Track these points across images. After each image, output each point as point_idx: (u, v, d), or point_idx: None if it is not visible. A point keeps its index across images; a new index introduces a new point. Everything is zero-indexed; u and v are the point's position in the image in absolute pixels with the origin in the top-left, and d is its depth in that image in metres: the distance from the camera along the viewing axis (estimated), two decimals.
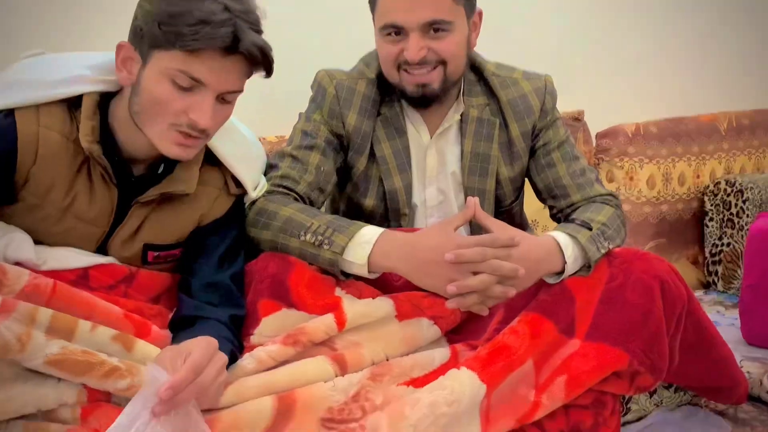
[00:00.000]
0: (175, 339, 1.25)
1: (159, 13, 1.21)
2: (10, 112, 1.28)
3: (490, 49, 1.72)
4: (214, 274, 1.38)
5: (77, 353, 1.14)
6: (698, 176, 2.42)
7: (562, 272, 1.44)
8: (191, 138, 1.27)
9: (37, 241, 1.31)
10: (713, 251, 2.37)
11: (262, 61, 1.26)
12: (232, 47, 1.21)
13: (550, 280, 1.45)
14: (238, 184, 1.45)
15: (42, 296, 1.19)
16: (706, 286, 2.42)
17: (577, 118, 2.37)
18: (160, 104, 1.24)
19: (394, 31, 1.51)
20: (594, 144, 2.39)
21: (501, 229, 1.40)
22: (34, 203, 1.30)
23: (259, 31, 1.26)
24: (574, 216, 1.56)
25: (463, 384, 1.30)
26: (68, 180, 1.31)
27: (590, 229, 1.48)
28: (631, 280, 1.42)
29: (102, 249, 1.38)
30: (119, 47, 1.27)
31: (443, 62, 1.54)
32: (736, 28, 2.77)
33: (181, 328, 1.29)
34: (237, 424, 1.20)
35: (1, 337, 1.10)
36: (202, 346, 1.13)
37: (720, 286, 2.36)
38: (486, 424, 1.32)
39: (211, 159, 1.42)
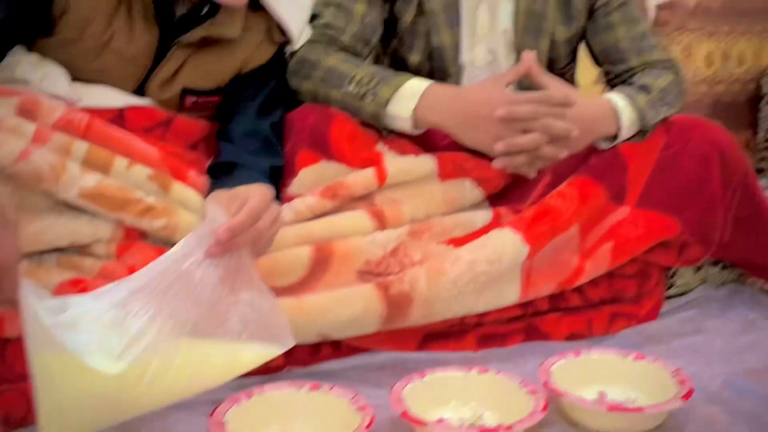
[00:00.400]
0: (215, 185, 1.22)
1: None
2: None
3: None
4: (254, 122, 1.34)
5: (113, 188, 1.13)
6: (758, 57, 2.31)
7: (616, 137, 1.38)
8: None
9: (74, 79, 1.27)
10: (767, 137, 2.29)
11: None
12: None
13: (604, 145, 1.40)
14: (282, 31, 1.39)
15: (76, 131, 1.16)
16: (759, 171, 2.34)
17: None
18: None
19: None
20: (651, 18, 2.28)
21: (556, 87, 1.34)
22: (71, 37, 1.25)
23: None
24: (632, 80, 1.50)
25: (506, 244, 1.28)
26: (107, 14, 1.26)
27: (649, 93, 1.42)
28: (688, 147, 1.39)
29: (139, 92, 1.33)
30: None
31: None
32: None
33: (219, 174, 1.25)
34: (273, 271, 1.20)
35: (35, 167, 1.08)
36: (260, 193, 1.10)
37: None
38: (527, 286, 1.30)
39: (255, 3, 1.35)
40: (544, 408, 1.03)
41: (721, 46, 2.29)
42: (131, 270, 1.11)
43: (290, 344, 1.04)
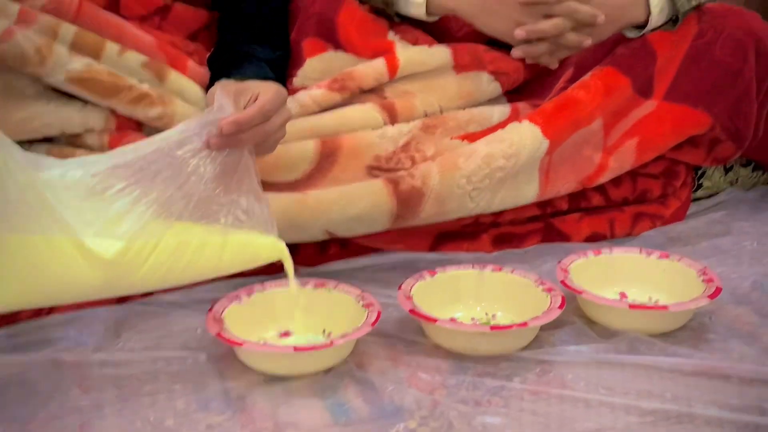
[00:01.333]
0: (221, 74, 1.14)
1: None
2: None
3: None
4: (256, 6, 1.27)
5: (103, 73, 1.08)
6: None
7: (644, 25, 1.30)
8: None
9: None
10: None
11: None
12: None
13: (631, 34, 1.32)
14: None
15: (66, 14, 1.10)
16: None
17: None
18: None
19: None
20: None
21: None
22: None
23: None
24: None
25: (524, 137, 1.21)
26: None
27: None
28: (722, 36, 1.31)
29: None
30: None
31: None
32: None
33: (224, 64, 1.18)
34: (277, 166, 1.15)
35: (19, 47, 1.04)
36: (273, 91, 1.01)
37: None
38: (545, 183, 1.25)
39: None
40: (561, 305, 0.98)
41: None
42: None
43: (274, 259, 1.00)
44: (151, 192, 0.89)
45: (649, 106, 1.29)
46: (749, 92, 1.30)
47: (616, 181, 1.33)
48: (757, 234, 1.34)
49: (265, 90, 1.01)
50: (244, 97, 1.00)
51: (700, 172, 1.44)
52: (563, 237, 1.29)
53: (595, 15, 1.21)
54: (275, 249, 0.99)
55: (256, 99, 0.99)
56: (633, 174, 1.34)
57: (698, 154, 1.36)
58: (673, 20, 1.31)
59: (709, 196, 1.47)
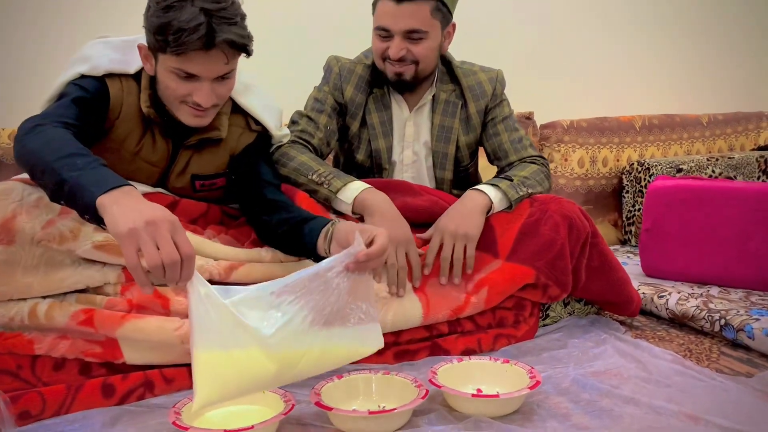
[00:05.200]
0: (327, 224, 1.16)
1: (151, 26, 1.12)
2: (99, 78, 1.22)
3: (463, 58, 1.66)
4: (274, 187, 1.32)
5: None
6: (618, 160, 2.30)
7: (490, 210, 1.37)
8: (201, 110, 1.20)
9: None
10: (628, 215, 2.25)
11: (239, 48, 1.14)
12: (209, 44, 1.09)
13: None
14: (256, 122, 1.37)
15: None
16: (623, 242, 2.30)
17: (528, 117, 2.28)
18: (170, 90, 1.18)
19: (384, 32, 1.45)
20: (539, 134, 2.30)
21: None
22: (113, 147, 1.25)
23: (234, 23, 1.12)
24: (505, 173, 1.49)
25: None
26: (139, 133, 1.26)
27: (511, 180, 1.41)
28: (545, 216, 1.36)
29: (162, 182, 1.33)
30: (139, 48, 1.19)
31: (416, 62, 1.47)
32: (652, 49, 2.65)
33: (302, 222, 1.20)
34: None
35: (59, 230, 1.07)
36: (385, 234, 1.05)
37: (633, 241, 2.24)
38: (427, 312, 1.26)
39: (236, 108, 1.35)
40: (424, 396, 0.98)
41: (590, 153, 2.28)
42: (130, 303, 1.10)
43: (381, 346, 1.04)
44: (310, 302, 0.95)
45: (496, 263, 1.33)
46: (563, 253, 1.33)
47: (482, 313, 1.33)
48: (584, 347, 1.32)
49: (380, 233, 1.05)
50: (364, 234, 1.04)
51: (546, 306, 1.44)
52: (445, 351, 1.28)
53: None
54: (378, 343, 1.04)
55: (373, 238, 1.03)
56: (494, 307, 1.34)
57: (536, 294, 1.37)
58: (509, 206, 1.38)
59: (554, 323, 1.46)
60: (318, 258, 1.14)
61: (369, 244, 1.02)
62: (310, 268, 0.98)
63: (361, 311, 1.01)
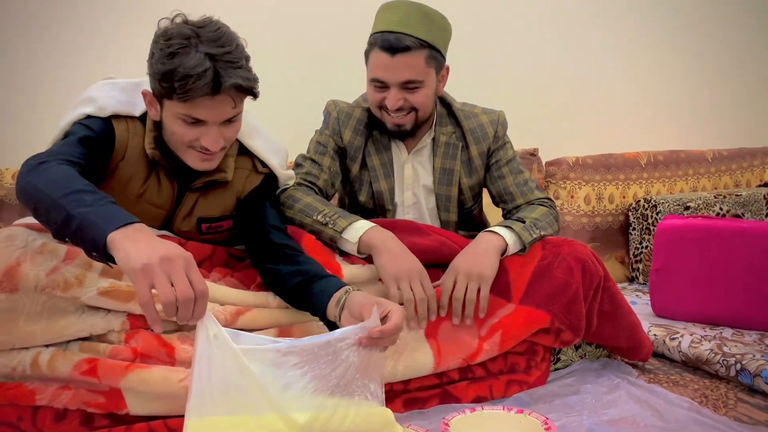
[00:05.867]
0: (312, 291, 1.15)
1: (156, 72, 1.11)
2: (106, 119, 1.22)
3: (467, 96, 1.65)
4: (280, 231, 1.30)
5: (123, 286, 1.09)
6: (624, 197, 2.29)
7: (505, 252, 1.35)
8: (209, 154, 1.19)
9: None
10: (635, 253, 2.24)
11: (246, 91, 1.14)
12: (216, 90, 1.09)
13: None
14: (263, 164, 1.36)
15: None
16: (631, 279, 2.28)
17: (533, 153, 2.28)
18: (177, 135, 1.17)
19: (379, 83, 1.44)
20: (544, 171, 2.29)
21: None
22: (116, 188, 1.24)
23: (240, 66, 1.11)
24: (517, 215, 1.46)
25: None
26: (143, 175, 1.26)
27: (523, 222, 1.39)
28: (558, 259, 1.34)
29: (167, 225, 1.31)
30: (143, 94, 1.19)
31: (415, 109, 1.47)
32: (657, 85, 2.67)
33: (312, 280, 1.18)
34: None
35: (64, 277, 1.05)
36: (400, 312, 1.03)
37: (641, 279, 2.22)
38: (438, 359, 1.23)
39: (242, 150, 1.34)
40: None
41: (596, 189, 2.28)
42: (134, 351, 1.08)
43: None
44: (315, 369, 0.93)
45: (509, 307, 1.30)
46: (578, 297, 1.31)
47: (493, 358, 1.31)
48: (597, 393, 1.30)
49: (395, 309, 1.03)
50: (379, 308, 1.02)
51: (557, 350, 1.42)
52: (455, 399, 1.25)
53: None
54: (388, 422, 1.00)
55: (388, 313, 1.01)
56: (505, 353, 1.32)
57: (549, 339, 1.35)
58: (523, 248, 1.36)
59: (565, 367, 1.43)
60: (325, 320, 1.13)
61: (383, 319, 1.00)
62: (322, 336, 0.96)
63: (368, 391, 0.98)
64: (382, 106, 1.47)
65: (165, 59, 1.09)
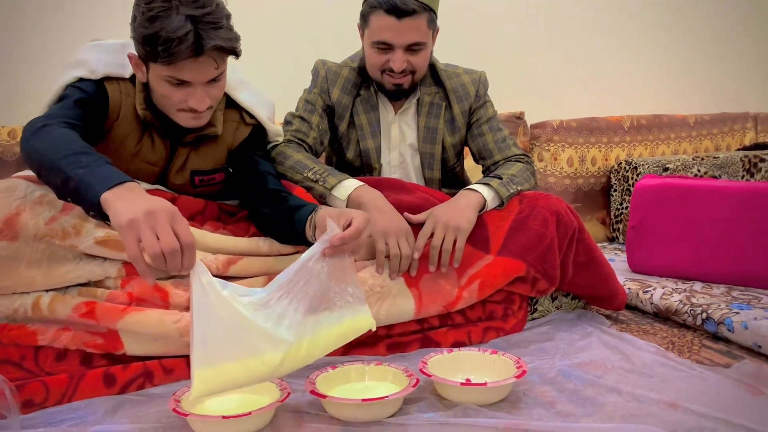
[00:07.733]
0: (313, 209, 1.19)
1: (139, 36, 1.12)
2: (98, 81, 1.24)
3: (455, 61, 1.68)
4: (274, 177, 1.35)
5: (118, 236, 1.12)
6: (606, 159, 2.34)
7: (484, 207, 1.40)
8: (197, 112, 1.22)
9: None
10: (616, 213, 2.29)
11: (228, 51, 1.15)
12: (198, 52, 1.11)
13: None
14: (250, 116, 1.39)
15: None
16: (611, 239, 2.34)
17: (519, 117, 2.31)
18: (164, 98, 1.20)
19: (384, 46, 1.46)
20: (529, 134, 2.34)
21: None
22: (112, 147, 1.27)
23: (220, 27, 1.12)
24: (495, 171, 1.52)
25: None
26: (137, 134, 1.28)
27: (501, 179, 1.44)
28: (534, 212, 1.39)
29: (162, 180, 1.34)
30: (129, 57, 1.21)
31: (414, 71, 1.50)
32: (641, 50, 2.69)
33: (293, 211, 1.23)
34: None
35: (62, 226, 1.10)
36: (363, 216, 1.07)
37: (620, 238, 2.28)
38: (419, 306, 1.29)
39: (230, 103, 1.37)
40: (415, 384, 1.01)
41: (579, 152, 2.32)
42: (130, 295, 1.12)
43: (372, 326, 1.07)
44: (298, 294, 0.99)
45: (488, 259, 1.36)
46: (552, 247, 1.36)
47: (472, 306, 1.36)
48: (570, 340, 1.36)
49: (357, 215, 1.07)
50: (343, 218, 1.07)
51: (534, 300, 1.47)
52: (435, 344, 1.31)
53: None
54: (368, 323, 1.07)
55: (350, 221, 1.06)
56: (483, 301, 1.37)
57: (525, 288, 1.40)
58: (501, 203, 1.41)
59: (542, 317, 1.49)
60: (310, 245, 1.17)
61: (347, 227, 1.05)
62: (294, 264, 1.01)
63: (347, 294, 1.04)
64: (384, 69, 1.50)
65: (146, 23, 1.10)
